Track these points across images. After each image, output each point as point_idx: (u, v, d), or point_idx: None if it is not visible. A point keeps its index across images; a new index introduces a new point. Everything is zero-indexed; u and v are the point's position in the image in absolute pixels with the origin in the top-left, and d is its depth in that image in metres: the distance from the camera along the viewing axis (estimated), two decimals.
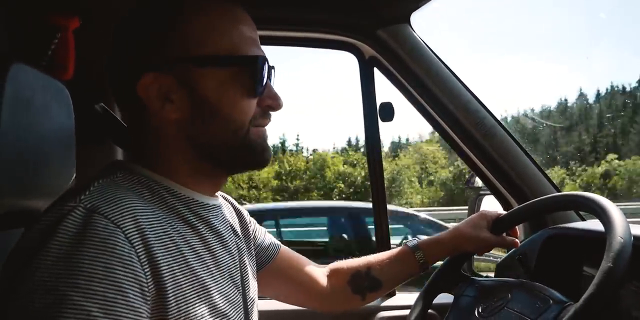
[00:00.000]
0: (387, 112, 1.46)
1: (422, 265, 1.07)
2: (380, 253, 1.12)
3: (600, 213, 0.83)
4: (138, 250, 0.60)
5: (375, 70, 1.44)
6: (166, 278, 0.62)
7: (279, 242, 1.06)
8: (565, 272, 1.07)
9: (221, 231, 0.77)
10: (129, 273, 0.58)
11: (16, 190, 0.81)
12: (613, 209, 0.81)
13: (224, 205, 0.88)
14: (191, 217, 0.72)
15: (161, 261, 0.62)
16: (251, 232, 0.96)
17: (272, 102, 0.77)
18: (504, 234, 1.08)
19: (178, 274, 0.65)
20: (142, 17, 0.74)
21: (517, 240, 1.09)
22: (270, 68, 0.77)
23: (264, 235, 1.02)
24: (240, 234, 0.88)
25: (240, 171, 0.82)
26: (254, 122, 0.74)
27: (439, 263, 1.12)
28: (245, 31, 0.74)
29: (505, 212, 1.10)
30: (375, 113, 1.47)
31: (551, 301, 0.81)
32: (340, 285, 1.08)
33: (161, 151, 0.73)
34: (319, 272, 1.09)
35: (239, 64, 0.72)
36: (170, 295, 0.62)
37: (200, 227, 0.73)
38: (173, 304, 0.63)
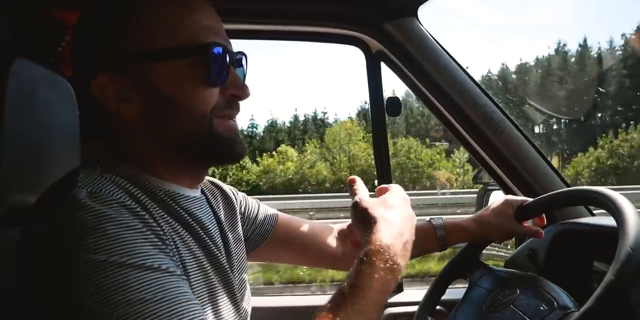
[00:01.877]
0: (394, 106, 1.45)
1: (442, 245, 1.05)
2: None
3: (618, 216, 0.80)
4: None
5: (383, 64, 1.43)
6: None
7: (276, 212, 1.05)
8: (575, 268, 1.05)
9: (205, 223, 0.76)
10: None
11: (21, 186, 0.81)
12: (631, 214, 0.78)
13: (208, 190, 0.87)
14: (177, 209, 0.72)
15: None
16: (241, 214, 0.95)
17: (237, 91, 0.74)
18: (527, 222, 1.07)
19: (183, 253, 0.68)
20: (93, 16, 0.72)
21: (541, 230, 1.05)
22: (236, 55, 0.75)
23: (258, 209, 1.01)
24: (224, 221, 0.86)
25: (212, 163, 0.78)
26: (217, 112, 0.72)
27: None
28: (200, 20, 0.71)
29: (530, 199, 1.07)
30: (382, 107, 1.46)
31: (556, 304, 0.80)
32: (354, 249, 1.06)
33: (132, 148, 0.72)
34: (328, 235, 1.07)
35: (194, 54, 0.69)
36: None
37: (187, 218, 0.73)
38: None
